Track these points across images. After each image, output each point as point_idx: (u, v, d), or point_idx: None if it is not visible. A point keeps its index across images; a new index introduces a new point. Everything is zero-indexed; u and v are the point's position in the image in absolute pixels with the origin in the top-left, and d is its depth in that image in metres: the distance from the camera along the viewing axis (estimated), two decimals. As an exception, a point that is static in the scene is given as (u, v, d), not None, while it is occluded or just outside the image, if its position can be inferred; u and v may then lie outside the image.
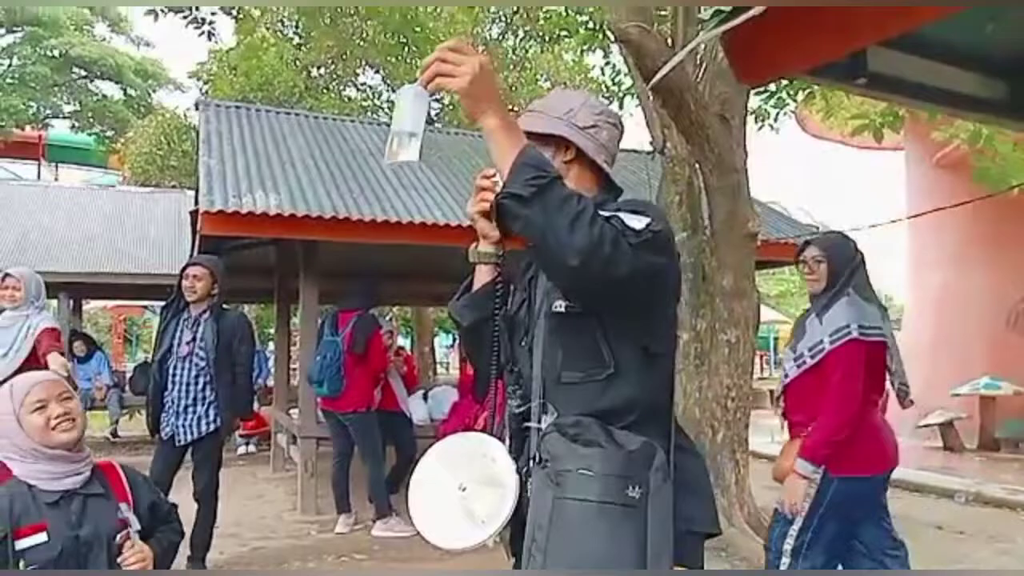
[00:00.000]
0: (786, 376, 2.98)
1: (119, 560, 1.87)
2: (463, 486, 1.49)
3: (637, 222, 1.38)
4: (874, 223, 6.50)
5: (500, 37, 14.00)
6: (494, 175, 1.50)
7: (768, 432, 7.97)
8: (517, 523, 1.45)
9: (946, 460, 9.15)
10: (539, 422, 1.48)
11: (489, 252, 1.65)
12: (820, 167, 48.98)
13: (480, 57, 1.34)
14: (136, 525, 1.94)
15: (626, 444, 1.37)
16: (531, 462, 1.46)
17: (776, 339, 28.86)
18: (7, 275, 4.15)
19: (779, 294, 28.88)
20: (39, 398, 1.92)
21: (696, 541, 1.48)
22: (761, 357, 25.66)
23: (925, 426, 9.94)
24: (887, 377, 2.91)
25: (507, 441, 1.54)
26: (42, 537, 1.83)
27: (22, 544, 1.83)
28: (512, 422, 1.55)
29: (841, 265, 2.89)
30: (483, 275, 1.67)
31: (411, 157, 1.36)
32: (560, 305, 1.48)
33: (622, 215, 1.39)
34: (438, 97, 15.13)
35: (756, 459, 6.80)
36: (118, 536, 1.89)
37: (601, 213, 1.35)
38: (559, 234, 1.27)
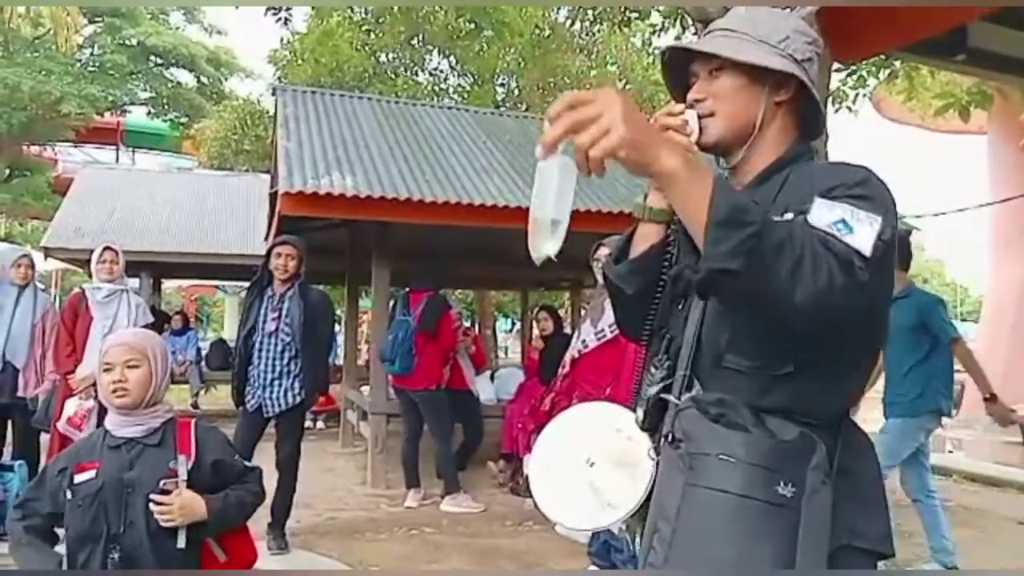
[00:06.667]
0: None
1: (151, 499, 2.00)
2: (591, 461, 1.33)
3: (866, 234, 1.05)
4: (960, 208, 6.23)
5: (568, 20, 13.90)
6: (681, 111, 1.27)
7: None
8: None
9: (1026, 457, 8.81)
10: (679, 396, 1.25)
11: (663, 209, 1.33)
12: (896, 153, 47.18)
13: (610, 93, 1.02)
14: (183, 476, 2.03)
15: (779, 433, 1.12)
16: (663, 440, 1.25)
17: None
18: (107, 248, 4.40)
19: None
20: (109, 360, 2.07)
21: (856, 558, 1.17)
22: None
23: (1004, 421, 9.57)
24: None
25: (642, 416, 1.31)
26: (91, 474, 2.01)
27: (77, 478, 2.02)
28: (650, 394, 1.31)
29: None
30: (648, 233, 1.36)
31: (552, 251, 1.07)
32: None
33: (847, 216, 1.07)
34: (503, 82, 15.18)
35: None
36: (162, 483, 2.02)
37: (816, 228, 1.05)
38: (776, 296, 1.02)
